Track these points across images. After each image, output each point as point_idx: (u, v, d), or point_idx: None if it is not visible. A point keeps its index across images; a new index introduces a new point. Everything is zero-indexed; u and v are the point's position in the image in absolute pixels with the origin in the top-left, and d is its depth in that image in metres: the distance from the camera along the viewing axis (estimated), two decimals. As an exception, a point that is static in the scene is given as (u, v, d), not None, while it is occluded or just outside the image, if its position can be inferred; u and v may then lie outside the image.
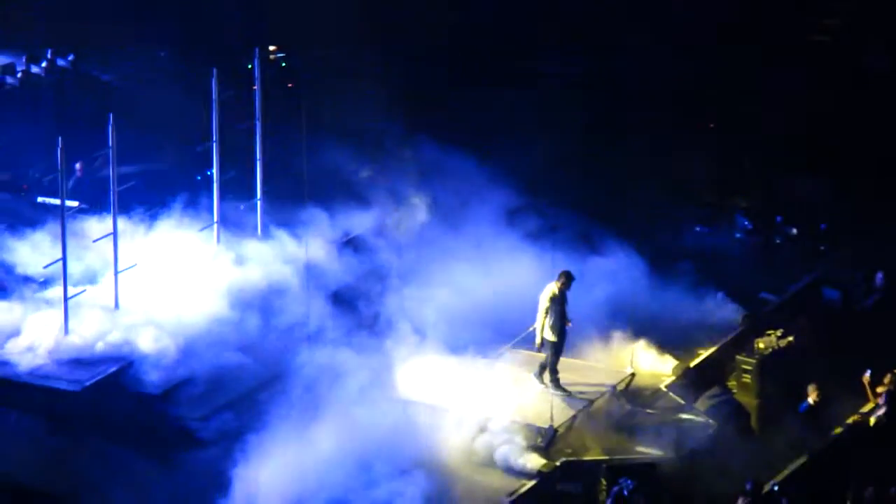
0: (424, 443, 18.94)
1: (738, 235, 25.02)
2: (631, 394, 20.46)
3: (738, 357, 20.86)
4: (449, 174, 24.03)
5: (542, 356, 20.26)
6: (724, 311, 22.38)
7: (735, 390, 20.66)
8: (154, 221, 23.00)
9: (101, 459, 18.97)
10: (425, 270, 22.15)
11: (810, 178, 25.86)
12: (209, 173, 23.04)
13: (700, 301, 22.47)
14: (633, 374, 20.61)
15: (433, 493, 18.30)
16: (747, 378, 20.66)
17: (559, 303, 19.98)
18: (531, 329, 20.19)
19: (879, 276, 22.63)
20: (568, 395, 20.15)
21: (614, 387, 20.38)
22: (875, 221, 24.80)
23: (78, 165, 23.96)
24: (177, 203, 23.02)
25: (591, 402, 20.08)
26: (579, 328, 20.64)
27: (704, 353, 21.49)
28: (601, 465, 19.02)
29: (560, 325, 20.02)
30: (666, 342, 21.39)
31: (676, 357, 21.20)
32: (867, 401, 20.26)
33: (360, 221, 23.38)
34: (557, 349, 20.17)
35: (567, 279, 20.01)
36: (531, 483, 18.90)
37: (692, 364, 21.18)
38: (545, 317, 19.96)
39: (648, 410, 20.21)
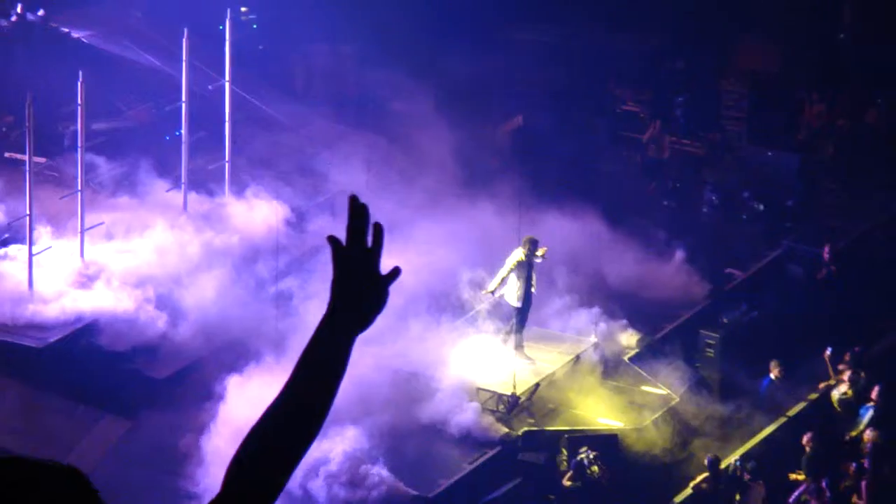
0: (385, 406, 18.91)
1: (705, 210, 25.07)
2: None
3: (702, 331, 20.93)
4: (421, 134, 23.97)
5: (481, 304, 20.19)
6: (690, 284, 22.45)
7: (698, 364, 20.74)
8: (122, 180, 22.88)
9: (66, 417, 18.93)
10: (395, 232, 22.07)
11: (777, 154, 25.93)
12: (178, 133, 22.93)
13: (666, 273, 22.53)
14: (597, 343, 20.64)
15: (391, 459, 18.30)
16: (710, 352, 20.74)
17: (525, 268, 19.91)
18: (497, 295, 20.06)
19: (826, 249, 22.71)
20: (531, 362, 20.15)
21: (578, 355, 20.41)
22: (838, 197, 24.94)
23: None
24: (145, 162, 22.92)
25: (555, 370, 20.10)
26: (544, 297, 20.66)
27: (669, 327, 21.55)
28: (563, 435, 19.08)
29: (525, 291, 19.93)
30: (630, 314, 21.44)
31: (640, 330, 21.24)
32: (828, 377, 20.36)
33: (335, 182, 23.32)
34: (522, 316, 20.14)
35: (532, 245, 19.89)
36: (492, 451, 18.94)
37: (656, 337, 21.24)
38: (506, 276, 19.79)
39: (612, 382, 20.28)
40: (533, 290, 20.01)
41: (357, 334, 4.66)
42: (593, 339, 20.65)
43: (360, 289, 4.64)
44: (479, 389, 19.45)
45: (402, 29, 25.31)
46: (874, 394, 19.50)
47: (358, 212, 4.66)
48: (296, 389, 4.53)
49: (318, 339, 4.62)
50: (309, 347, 4.61)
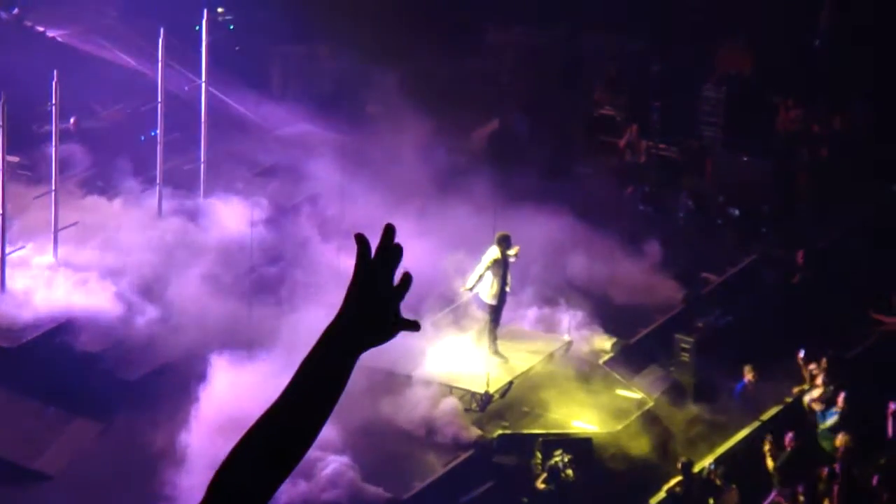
0: (358, 405, 18.85)
1: (680, 215, 25.10)
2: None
3: (677, 335, 20.94)
4: (399, 134, 23.94)
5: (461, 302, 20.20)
6: (665, 289, 22.47)
7: (673, 368, 20.75)
8: (97, 180, 22.79)
9: (37, 418, 18.83)
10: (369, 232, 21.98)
11: (753, 160, 25.98)
12: (154, 134, 22.85)
13: (641, 277, 22.54)
14: (570, 342, 20.63)
15: (364, 460, 18.25)
16: (685, 356, 20.75)
17: (500, 266, 19.89)
18: (472, 293, 20.05)
19: (800, 254, 22.80)
20: (505, 360, 20.13)
21: (551, 353, 20.40)
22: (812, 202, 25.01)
23: (72, 119, 23.52)
24: (120, 161, 22.83)
25: (528, 368, 20.08)
26: (518, 297, 20.65)
27: (644, 331, 21.56)
28: (537, 438, 19.06)
29: (500, 289, 19.91)
30: (605, 318, 21.44)
31: (615, 334, 21.24)
32: (802, 381, 20.39)
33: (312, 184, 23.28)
34: (496, 314, 20.12)
35: (505, 242, 19.86)
36: (466, 454, 18.91)
37: (631, 341, 21.25)
38: (483, 274, 19.78)
39: (587, 386, 20.27)
40: (507, 288, 20.01)
41: (359, 353, 4.45)
42: (567, 337, 20.64)
43: (376, 311, 4.45)
44: (452, 388, 19.41)
45: (380, 31, 25.27)
46: (840, 399, 19.54)
47: (393, 250, 4.44)
48: (291, 404, 4.37)
49: (320, 353, 4.43)
50: (309, 360, 4.41)
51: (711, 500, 18.54)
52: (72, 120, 23.41)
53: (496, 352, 20.11)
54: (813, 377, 20.23)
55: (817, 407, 19.80)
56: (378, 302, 4.35)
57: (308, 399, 4.33)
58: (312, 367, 4.35)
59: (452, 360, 19.90)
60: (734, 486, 18.57)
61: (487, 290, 19.86)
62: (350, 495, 17.96)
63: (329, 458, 18.16)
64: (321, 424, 4.36)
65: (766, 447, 18.78)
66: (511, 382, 19.76)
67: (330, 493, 17.96)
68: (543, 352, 20.37)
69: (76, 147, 23.19)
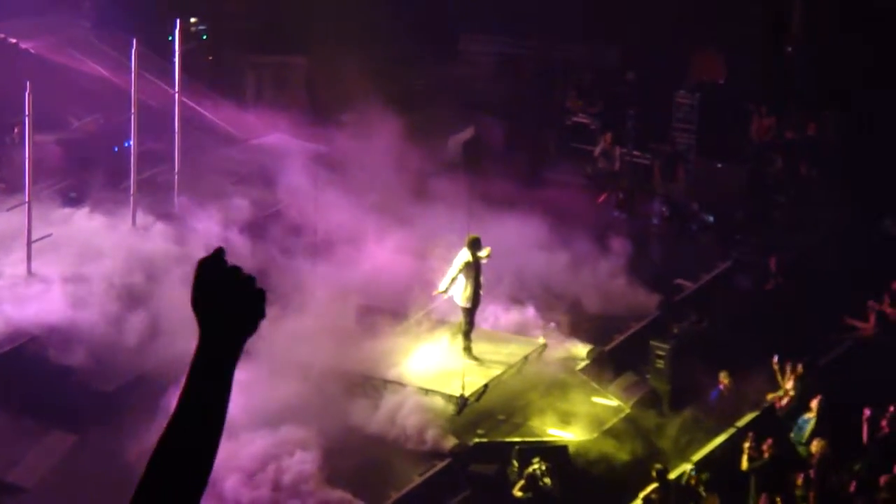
0: (333, 412, 18.83)
1: (655, 222, 25.16)
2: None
3: (652, 342, 20.97)
4: (374, 142, 23.95)
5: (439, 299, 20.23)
6: (640, 296, 22.51)
7: (648, 375, 20.77)
8: (70, 192, 22.74)
9: (11, 430, 18.75)
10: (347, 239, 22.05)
11: (727, 166, 26.06)
12: (127, 144, 22.80)
13: (615, 284, 22.57)
14: (545, 345, 20.65)
15: (339, 469, 18.22)
16: (660, 363, 20.77)
17: (473, 269, 19.88)
18: (445, 296, 20.06)
19: (772, 261, 22.88)
20: (480, 363, 20.13)
21: (526, 356, 20.42)
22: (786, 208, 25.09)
23: (16, 129, 23.42)
24: (94, 172, 22.79)
25: (504, 371, 20.09)
26: (490, 302, 20.68)
27: (619, 338, 21.59)
28: (513, 446, 19.05)
29: (473, 291, 19.92)
30: (580, 326, 21.47)
31: (590, 341, 21.27)
32: (777, 386, 20.43)
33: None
34: (470, 317, 20.12)
35: (475, 244, 19.85)
36: (443, 463, 18.89)
37: (607, 348, 21.27)
38: (455, 276, 19.78)
39: (563, 393, 20.28)
40: (481, 291, 20.02)
41: (232, 360, 4.23)
42: (542, 340, 20.66)
43: (222, 301, 4.19)
44: (427, 391, 19.40)
45: (355, 39, 25.28)
46: (813, 403, 19.59)
47: (211, 262, 4.19)
48: (171, 442, 4.20)
49: (190, 381, 4.20)
50: (183, 391, 4.21)
51: (691, 506, 18.55)
52: (15, 130, 23.34)
53: (471, 355, 20.11)
54: (785, 382, 20.28)
55: (785, 411, 19.86)
56: (208, 292, 4.22)
57: (199, 415, 4.22)
58: (197, 383, 4.23)
59: (427, 363, 19.91)
60: (716, 494, 18.57)
61: (461, 293, 19.88)
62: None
63: (303, 466, 18.10)
64: (208, 459, 4.22)
65: (747, 444, 18.80)
66: (487, 385, 19.76)
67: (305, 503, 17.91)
68: (518, 354, 20.39)
69: (52, 156, 23.13)
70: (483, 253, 19.82)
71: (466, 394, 19.37)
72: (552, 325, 21.10)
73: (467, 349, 20.11)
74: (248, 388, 18.52)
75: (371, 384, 19.37)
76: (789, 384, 20.12)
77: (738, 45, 26.96)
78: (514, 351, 20.48)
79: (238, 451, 17.86)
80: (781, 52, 27.39)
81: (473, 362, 20.03)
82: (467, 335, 20.12)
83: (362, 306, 20.62)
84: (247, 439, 18.05)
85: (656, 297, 22.46)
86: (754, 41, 26.97)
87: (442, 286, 19.88)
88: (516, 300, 21.35)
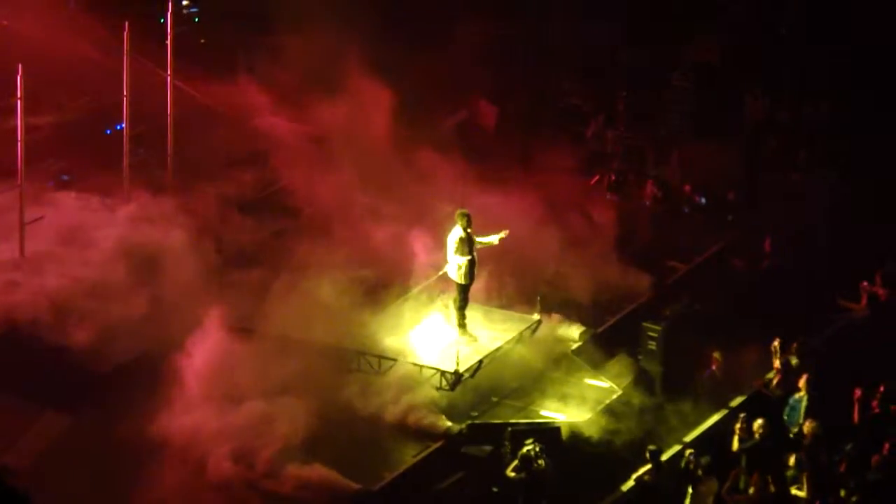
0: (325, 390, 18.88)
1: (647, 203, 25.18)
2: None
3: (644, 324, 21.02)
4: (367, 124, 23.97)
5: (440, 285, 20.27)
6: (633, 277, 22.55)
7: (641, 357, 20.83)
8: (62, 174, 22.75)
9: (6, 412, 18.79)
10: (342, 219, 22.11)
11: (720, 148, 26.09)
12: (119, 127, 22.81)
13: (608, 266, 22.62)
14: (539, 321, 20.69)
15: (333, 450, 18.27)
16: (652, 345, 20.83)
17: (467, 244, 19.90)
18: (441, 273, 20.12)
19: (767, 241, 22.94)
20: (474, 339, 20.18)
21: (521, 333, 20.46)
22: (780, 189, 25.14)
23: None
24: (87, 155, 22.81)
25: (498, 347, 20.14)
26: (484, 281, 20.74)
27: (612, 320, 21.64)
28: (506, 428, 19.10)
29: (468, 268, 19.95)
30: (573, 307, 21.51)
31: (583, 323, 21.32)
32: (771, 368, 20.48)
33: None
34: (465, 293, 20.17)
35: (466, 219, 19.84)
36: (437, 444, 18.95)
37: (599, 330, 21.32)
38: (452, 253, 19.83)
39: (555, 375, 20.34)
40: (475, 267, 20.04)
41: None
42: (536, 316, 20.70)
43: None
44: (422, 367, 19.44)
45: (347, 21, 25.27)
46: (801, 382, 19.63)
47: None
48: None
49: None
50: None
51: (690, 489, 18.60)
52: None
53: (466, 331, 20.16)
54: (777, 362, 20.33)
55: (778, 392, 19.91)
56: None
57: None
58: None
59: (422, 339, 19.96)
60: (714, 477, 18.62)
61: (456, 269, 19.93)
62: (321, 486, 17.97)
63: (297, 446, 18.16)
64: None
65: (738, 425, 18.85)
66: (481, 361, 19.81)
67: (298, 484, 17.97)
68: (513, 331, 20.44)
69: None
70: (498, 236, 19.89)
71: (461, 369, 19.42)
72: (537, 299, 21.11)
73: (462, 325, 20.17)
74: (242, 363, 18.60)
75: (365, 359, 19.43)
76: (776, 363, 20.17)
77: (732, 26, 26.97)
78: (508, 327, 20.54)
79: (225, 424, 17.94)
80: (776, 33, 27.40)
81: (468, 338, 20.10)
82: (462, 311, 20.17)
83: (357, 282, 20.68)
84: (236, 412, 18.13)
85: (649, 278, 22.50)
86: (749, 22, 26.97)
87: (445, 267, 19.96)
88: (507, 284, 21.38)
